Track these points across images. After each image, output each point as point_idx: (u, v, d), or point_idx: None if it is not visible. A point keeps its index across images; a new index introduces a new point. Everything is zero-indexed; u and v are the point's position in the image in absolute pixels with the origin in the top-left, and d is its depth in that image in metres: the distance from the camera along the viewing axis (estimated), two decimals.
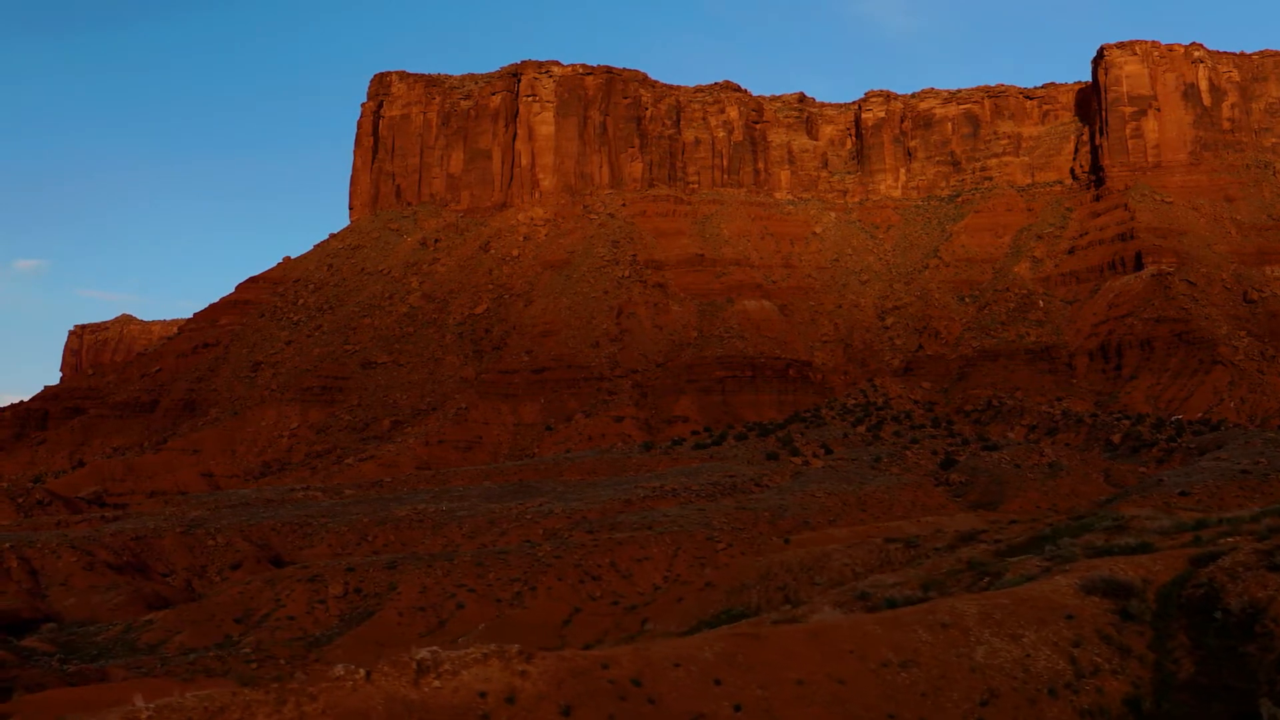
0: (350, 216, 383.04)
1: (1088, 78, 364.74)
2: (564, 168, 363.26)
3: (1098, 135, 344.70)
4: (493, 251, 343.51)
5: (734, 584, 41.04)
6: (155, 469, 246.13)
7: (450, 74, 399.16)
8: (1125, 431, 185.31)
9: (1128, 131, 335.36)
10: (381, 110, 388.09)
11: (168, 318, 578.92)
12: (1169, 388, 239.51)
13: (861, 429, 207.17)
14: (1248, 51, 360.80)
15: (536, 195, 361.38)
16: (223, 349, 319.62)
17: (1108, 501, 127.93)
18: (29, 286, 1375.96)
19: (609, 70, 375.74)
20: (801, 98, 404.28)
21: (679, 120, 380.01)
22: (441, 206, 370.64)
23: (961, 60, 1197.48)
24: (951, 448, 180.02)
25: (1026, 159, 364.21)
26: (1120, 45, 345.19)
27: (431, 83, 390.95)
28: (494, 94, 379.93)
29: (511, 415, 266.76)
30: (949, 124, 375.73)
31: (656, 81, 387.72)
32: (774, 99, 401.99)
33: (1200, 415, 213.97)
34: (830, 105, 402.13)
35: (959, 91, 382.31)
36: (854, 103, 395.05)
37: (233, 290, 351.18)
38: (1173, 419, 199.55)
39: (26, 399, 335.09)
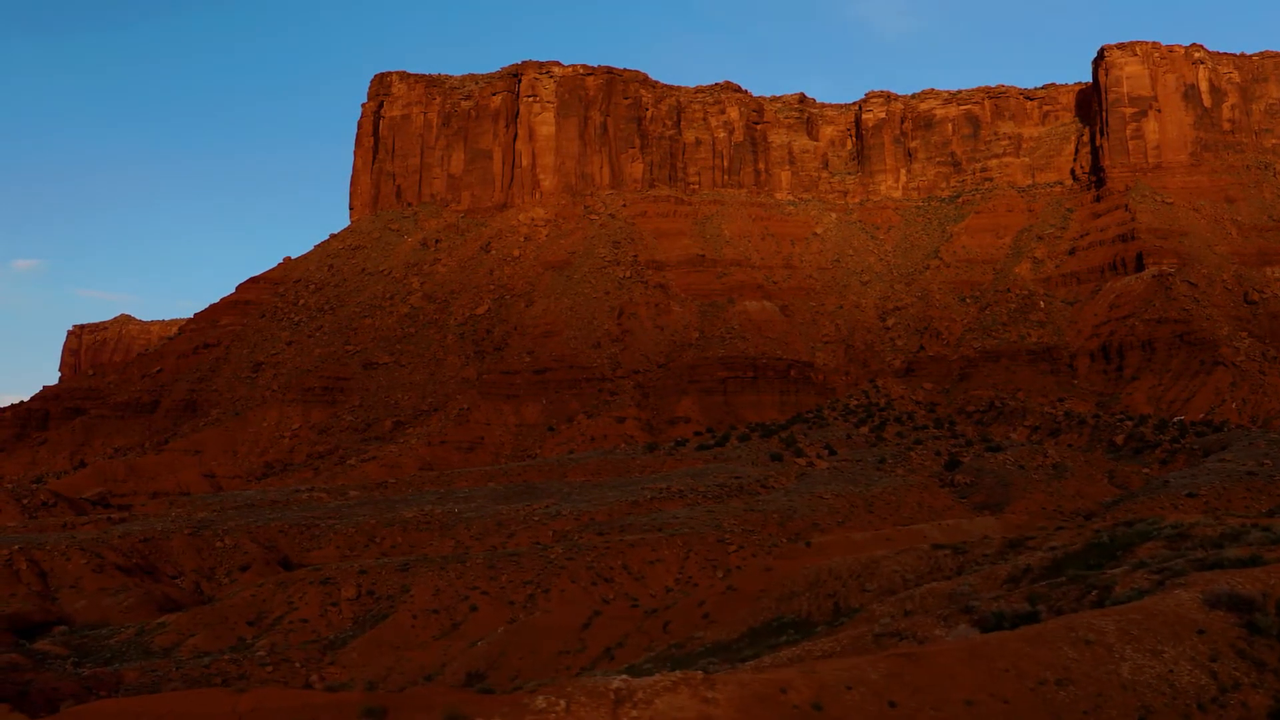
0: (350, 217, 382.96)
1: (1088, 78, 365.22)
2: (565, 168, 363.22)
3: (1098, 136, 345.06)
4: (494, 252, 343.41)
5: (783, 590, 41.02)
6: (157, 470, 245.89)
7: (451, 74, 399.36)
8: (1128, 433, 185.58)
9: (1128, 132, 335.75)
10: (382, 110, 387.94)
11: (167, 318, 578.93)
12: (1170, 389, 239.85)
13: (864, 430, 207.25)
14: (1248, 52, 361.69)
15: (537, 196, 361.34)
16: (224, 349, 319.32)
17: (1114, 503, 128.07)
18: (27, 286, 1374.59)
19: (610, 71, 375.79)
20: (802, 98, 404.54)
21: (679, 121, 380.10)
22: (442, 207, 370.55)
23: (962, 61, 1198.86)
24: (955, 449, 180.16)
25: (1027, 160, 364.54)
26: (1121, 46, 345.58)
27: (432, 83, 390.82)
28: (494, 94, 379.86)
29: (513, 416, 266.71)
30: (949, 125, 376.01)
31: (657, 82, 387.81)
32: (774, 99, 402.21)
33: (1202, 416, 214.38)
34: (831, 106, 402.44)
35: (959, 92, 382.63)
36: (854, 103, 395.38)
37: (233, 290, 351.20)
38: (1175, 420, 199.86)
39: (25, 399, 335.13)
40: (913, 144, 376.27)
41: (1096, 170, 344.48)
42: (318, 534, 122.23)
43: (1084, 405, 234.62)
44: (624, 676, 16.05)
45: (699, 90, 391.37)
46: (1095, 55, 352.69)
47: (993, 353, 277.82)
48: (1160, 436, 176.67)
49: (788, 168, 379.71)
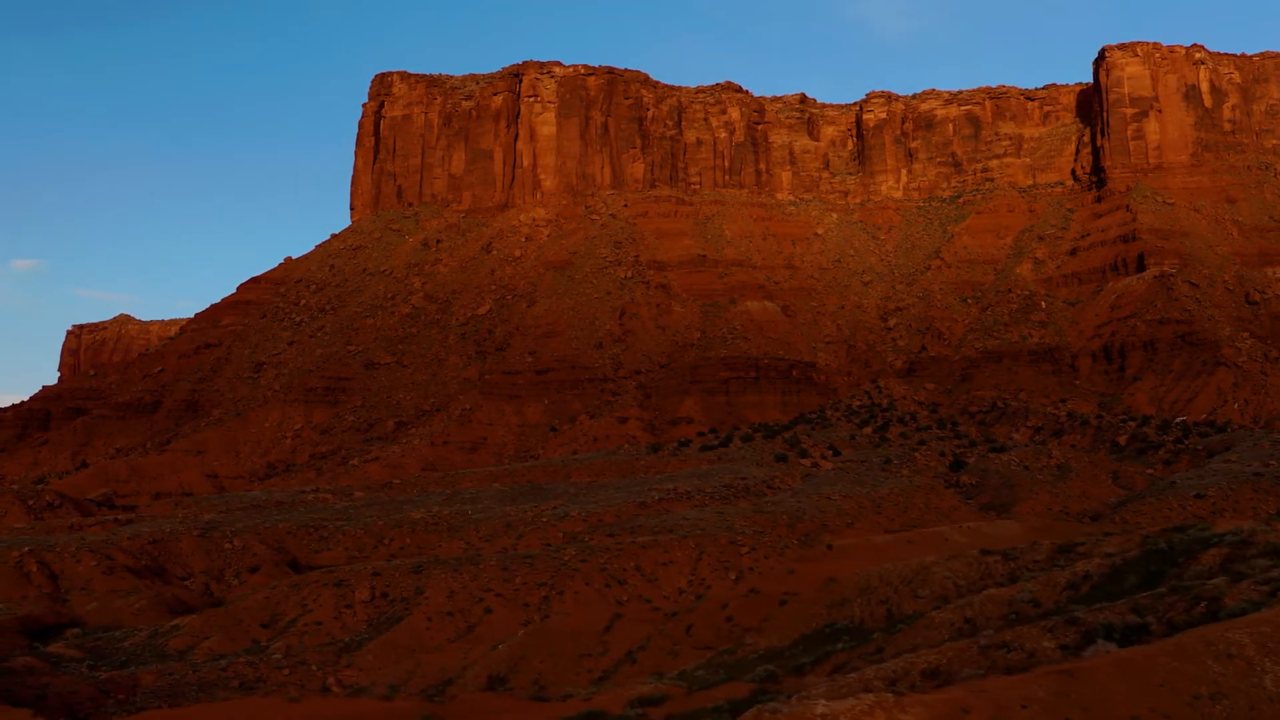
0: (351, 217, 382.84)
1: (1089, 79, 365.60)
2: (566, 168, 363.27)
3: (1099, 136, 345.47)
4: (495, 252, 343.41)
5: (833, 596, 41.09)
6: (159, 470, 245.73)
7: (451, 74, 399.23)
8: (1131, 433, 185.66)
9: (1129, 133, 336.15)
10: (383, 110, 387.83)
11: (166, 317, 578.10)
12: (1172, 389, 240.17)
13: (868, 430, 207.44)
14: (1249, 53, 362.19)
15: (538, 196, 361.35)
16: (225, 349, 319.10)
17: (1121, 504, 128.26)
18: (26, 286, 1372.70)
19: (610, 71, 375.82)
20: (803, 98, 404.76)
21: (680, 121, 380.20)
22: (443, 207, 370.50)
23: (962, 61, 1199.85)
24: (959, 450, 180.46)
25: (1028, 160, 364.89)
26: (1121, 46, 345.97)
27: (433, 83, 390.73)
28: (495, 94, 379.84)
29: (516, 416, 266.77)
30: (950, 125, 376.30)
31: (658, 82, 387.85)
32: (775, 100, 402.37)
33: (1204, 417, 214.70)
34: (831, 106, 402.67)
35: (960, 92, 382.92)
36: (855, 103, 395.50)
37: (234, 290, 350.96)
38: (1178, 421, 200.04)
39: (24, 399, 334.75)
40: (914, 144, 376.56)
41: (1097, 170, 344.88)
42: (326, 535, 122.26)
43: (1086, 406, 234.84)
44: (824, 701, 16.10)
45: (700, 90, 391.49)
46: (1096, 56, 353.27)
47: (994, 353, 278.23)
48: (1163, 437, 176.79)
49: (789, 168, 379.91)
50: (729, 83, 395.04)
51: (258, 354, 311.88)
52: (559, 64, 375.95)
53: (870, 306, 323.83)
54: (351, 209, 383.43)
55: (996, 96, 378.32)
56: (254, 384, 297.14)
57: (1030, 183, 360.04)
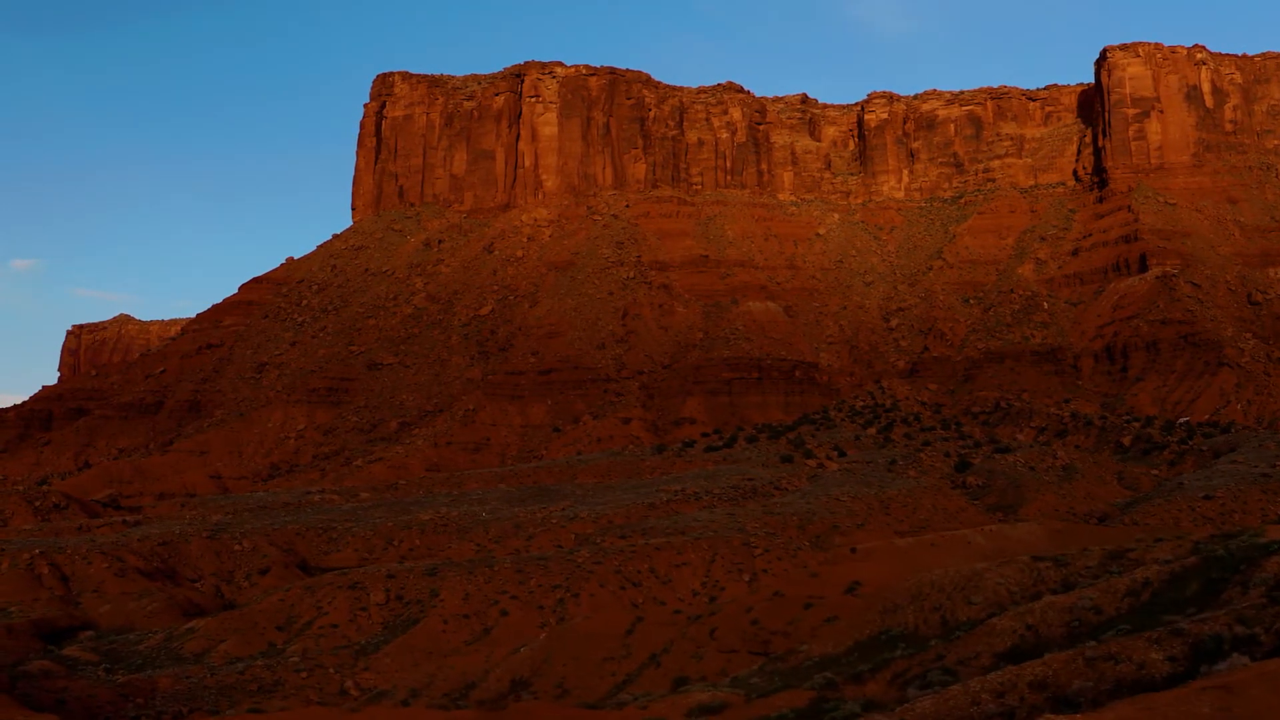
0: (353, 217, 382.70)
1: (1090, 79, 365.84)
2: (567, 169, 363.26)
3: (1100, 137, 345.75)
4: (497, 252, 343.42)
5: (886, 603, 41.17)
6: (163, 471, 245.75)
7: (453, 74, 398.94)
8: (1135, 434, 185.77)
9: (1130, 133, 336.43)
10: (384, 110, 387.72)
11: (166, 317, 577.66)
12: (1175, 390, 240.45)
13: (872, 431, 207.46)
14: (1250, 53, 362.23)
15: (540, 196, 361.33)
16: (227, 350, 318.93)
17: (1130, 505, 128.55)
18: (26, 286, 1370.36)
19: (612, 71, 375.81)
20: (804, 99, 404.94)
21: (682, 121, 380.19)
22: (445, 207, 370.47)
23: (964, 61, 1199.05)
24: (964, 450, 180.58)
25: (1029, 160, 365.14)
26: (1123, 47, 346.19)
27: (434, 83, 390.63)
28: (497, 95, 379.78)
29: (519, 417, 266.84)
30: (951, 125, 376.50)
31: (660, 82, 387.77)
32: (777, 100, 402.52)
33: (1208, 417, 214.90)
34: (833, 106, 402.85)
35: (961, 93, 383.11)
36: (856, 104, 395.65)
37: (236, 291, 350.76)
38: (1181, 421, 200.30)
39: (24, 399, 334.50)
40: (915, 144, 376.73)
41: (1099, 171, 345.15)
42: (335, 537, 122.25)
43: (1089, 406, 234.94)
44: None
45: (701, 91, 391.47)
46: (1097, 56, 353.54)
47: (997, 353, 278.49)
48: (1168, 438, 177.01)
49: (790, 168, 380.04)
50: (730, 83, 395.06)
51: (260, 354, 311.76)
52: (561, 64, 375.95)
53: (872, 307, 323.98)
54: (353, 209, 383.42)
55: (998, 97, 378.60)
56: (256, 384, 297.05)
57: (1032, 183, 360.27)
